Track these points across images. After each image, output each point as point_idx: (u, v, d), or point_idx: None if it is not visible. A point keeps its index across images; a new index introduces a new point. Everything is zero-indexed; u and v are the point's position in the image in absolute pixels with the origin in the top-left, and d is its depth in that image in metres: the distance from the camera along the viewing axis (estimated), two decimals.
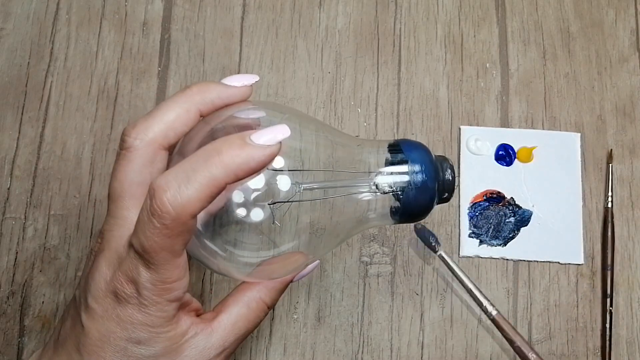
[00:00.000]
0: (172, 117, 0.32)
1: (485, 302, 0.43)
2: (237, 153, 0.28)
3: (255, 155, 0.29)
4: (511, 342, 0.42)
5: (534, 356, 0.41)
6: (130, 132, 0.31)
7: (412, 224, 0.45)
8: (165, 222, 0.28)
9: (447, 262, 0.43)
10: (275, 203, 0.32)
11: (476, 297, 0.43)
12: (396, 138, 0.37)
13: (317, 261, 0.36)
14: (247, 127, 0.32)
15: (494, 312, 0.42)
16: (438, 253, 0.44)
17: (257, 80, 0.34)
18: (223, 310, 0.34)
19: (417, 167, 0.33)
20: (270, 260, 0.35)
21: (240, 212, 0.32)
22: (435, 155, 0.35)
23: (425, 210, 0.34)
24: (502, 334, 0.42)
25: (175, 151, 0.33)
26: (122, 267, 0.30)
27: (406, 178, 0.33)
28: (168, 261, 0.29)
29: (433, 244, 0.44)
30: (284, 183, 0.32)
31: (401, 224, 0.37)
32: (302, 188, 0.33)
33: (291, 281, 0.36)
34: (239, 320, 0.34)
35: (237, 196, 0.32)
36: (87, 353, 0.31)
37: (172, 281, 0.30)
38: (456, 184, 0.36)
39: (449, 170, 0.34)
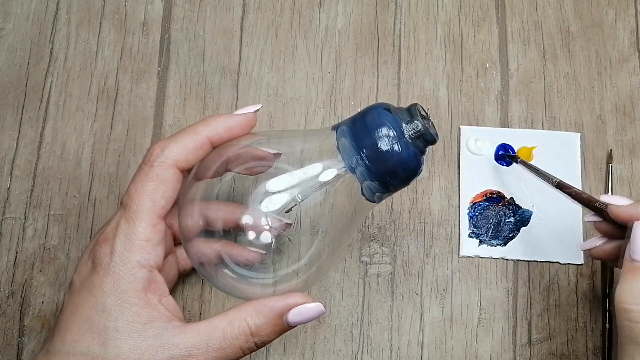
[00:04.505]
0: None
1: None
2: (220, 117, 0.35)
3: (235, 118, 0.35)
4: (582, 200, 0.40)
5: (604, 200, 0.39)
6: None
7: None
8: (153, 164, 0.33)
9: None
10: (289, 210, 0.35)
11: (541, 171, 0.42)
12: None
13: (319, 304, 0.35)
14: (253, 152, 0.36)
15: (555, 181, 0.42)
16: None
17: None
18: (204, 319, 0.34)
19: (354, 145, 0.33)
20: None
21: (250, 235, 0.35)
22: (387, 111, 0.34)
23: (399, 169, 0.34)
24: (571, 196, 0.41)
25: (190, 176, 0.35)
26: (104, 229, 0.33)
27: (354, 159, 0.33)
28: (146, 214, 0.32)
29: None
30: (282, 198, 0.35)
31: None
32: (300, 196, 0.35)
33: (290, 325, 0.35)
34: (215, 332, 0.33)
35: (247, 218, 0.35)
36: (58, 330, 0.32)
37: (144, 239, 0.32)
38: (428, 122, 0.35)
39: (405, 124, 0.34)
